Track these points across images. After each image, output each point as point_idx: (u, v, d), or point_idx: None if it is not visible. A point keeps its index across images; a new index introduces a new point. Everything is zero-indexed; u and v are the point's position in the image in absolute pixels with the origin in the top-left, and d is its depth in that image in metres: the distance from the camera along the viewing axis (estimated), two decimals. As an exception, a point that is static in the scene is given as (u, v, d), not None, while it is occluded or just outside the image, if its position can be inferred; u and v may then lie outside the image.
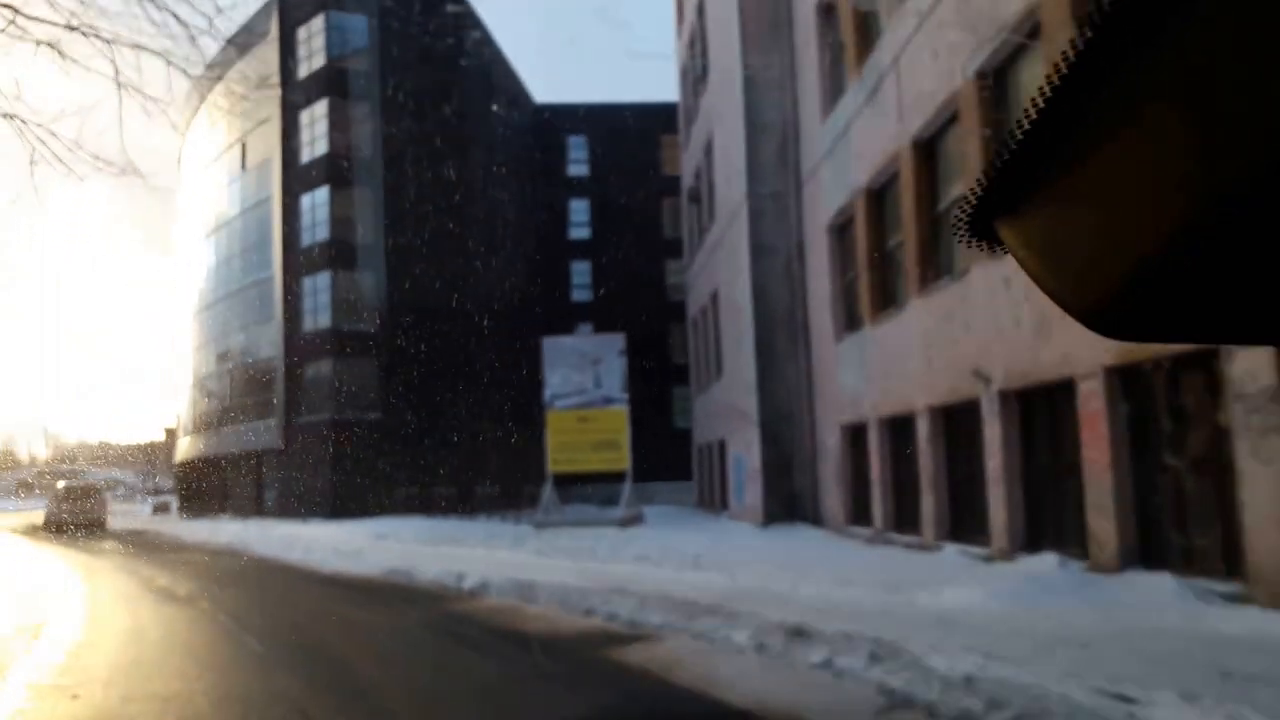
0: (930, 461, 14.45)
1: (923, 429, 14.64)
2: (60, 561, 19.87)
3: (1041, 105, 0.68)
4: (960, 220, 0.81)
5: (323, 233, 33.25)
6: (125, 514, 47.74)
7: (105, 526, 30.59)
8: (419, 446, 30.61)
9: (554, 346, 25.56)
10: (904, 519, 15.76)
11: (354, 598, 12.25)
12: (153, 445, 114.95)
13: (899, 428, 15.93)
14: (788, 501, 20.48)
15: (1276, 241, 0.62)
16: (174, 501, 47.22)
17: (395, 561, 15.35)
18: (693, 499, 31.39)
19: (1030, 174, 0.73)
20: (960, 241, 0.82)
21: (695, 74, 28.51)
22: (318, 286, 33.21)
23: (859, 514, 17.85)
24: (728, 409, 24.86)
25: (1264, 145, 0.56)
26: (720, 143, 25.12)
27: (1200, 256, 0.65)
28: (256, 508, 34.93)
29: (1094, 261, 0.71)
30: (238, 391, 37.72)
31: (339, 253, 32.88)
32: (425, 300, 31.96)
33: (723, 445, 26.47)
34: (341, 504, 30.74)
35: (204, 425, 41.12)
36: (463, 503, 29.72)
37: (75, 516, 29.85)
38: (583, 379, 25.00)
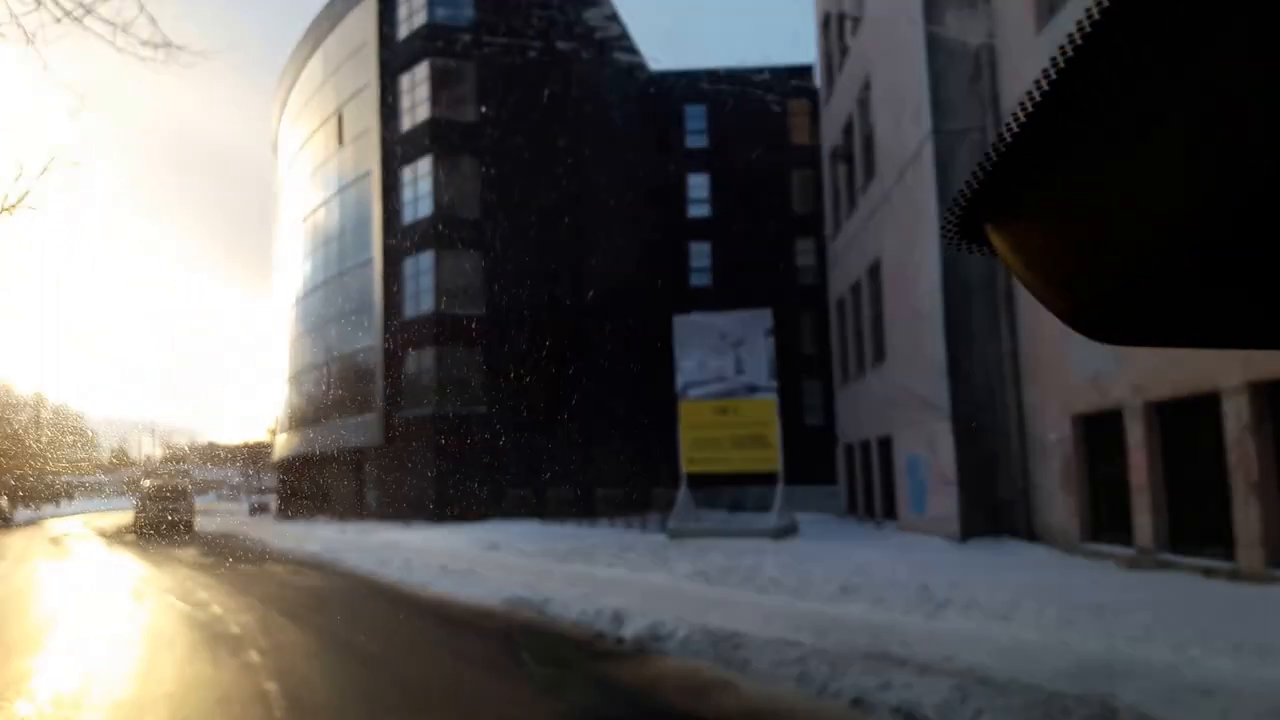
0: (1252, 457, 10.38)
1: (1236, 413, 10.56)
2: (118, 572, 17.20)
3: (1030, 110, 0.67)
4: (949, 224, 0.81)
5: (425, 208, 30.35)
6: (224, 514, 46.20)
7: (192, 528, 28.28)
8: (530, 444, 27.41)
9: (688, 326, 21.87)
10: (1192, 535, 11.71)
11: (470, 650, 8.78)
12: (259, 445, 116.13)
13: (1184, 414, 11.82)
14: (991, 511, 16.43)
15: (1264, 248, 0.63)
16: (273, 501, 45.28)
17: (518, 587, 11.95)
18: (840, 506, 27.38)
19: (1017, 180, 0.72)
20: (950, 244, 0.82)
21: (842, 10, 24.58)
22: (420, 268, 30.34)
23: (1104, 528, 13.79)
24: (894, 400, 20.90)
25: (1251, 154, 0.57)
26: (882, 84, 21.15)
27: (1187, 262, 0.66)
28: (356, 509, 32.31)
29: (1081, 267, 0.71)
30: (336, 385, 35.24)
31: (442, 230, 29.93)
32: (534, 283, 28.76)
33: (885, 444, 22.50)
34: (446, 506, 27.76)
35: (301, 421, 38.86)
36: (580, 507, 26.39)
37: (161, 518, 27.60)
38: (722, 364, 21.31)
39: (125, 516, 43.24)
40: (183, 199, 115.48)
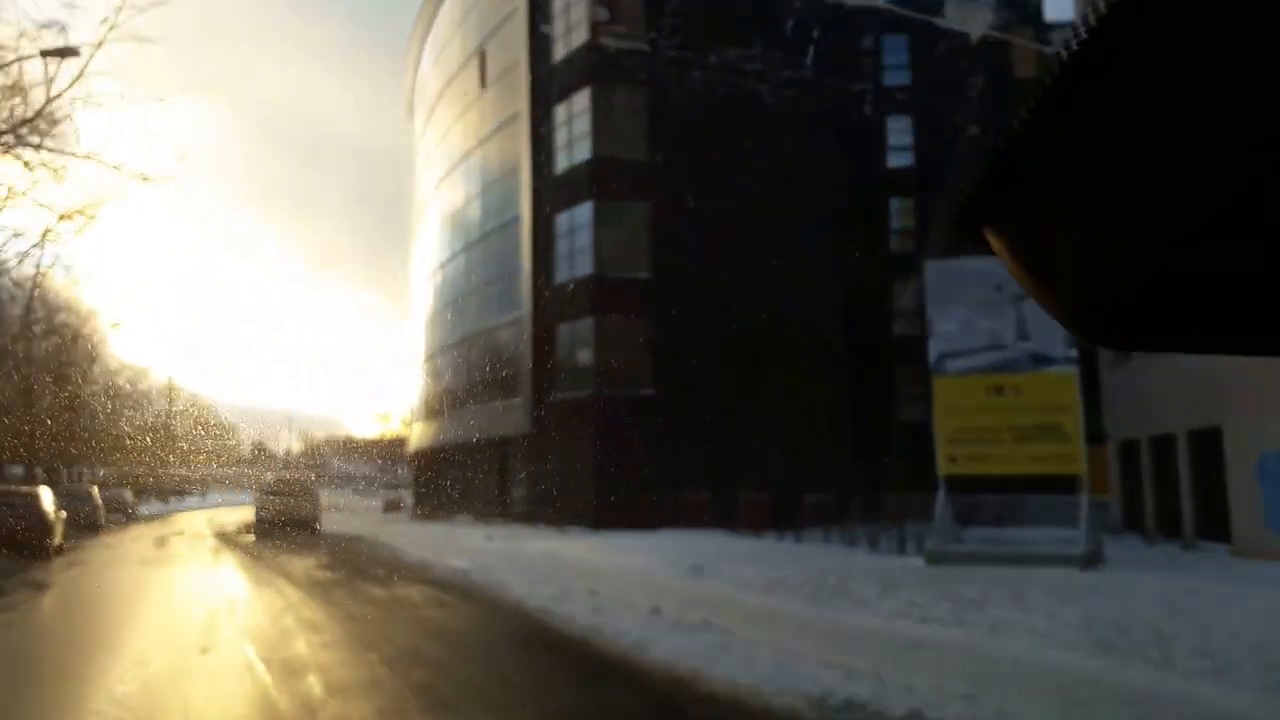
0: None
1: None
2: (205, 591, 12.78)
3: (1024, 116, 0.66)
4: (947, 221, 0.84)
5: (581, 151, 25.46)
6: (357, 510, 42.98)
7: (317, 529, 24.21)
8: (710, 435, 22.16)
9: (947, 275, 16.06)
10: None
11: None
12: (395, 438, 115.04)
13: None
14: None
15: (1265, 253, 0.63)
16: (408, 498, 41.43)
17: (810, 662, 6.89)
18: (1112, 520, 21.07)
19: (1011, 182, 0.72)
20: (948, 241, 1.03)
21: None
22: (575, 223, 25.49)
23: None
24: (1223, 377, 14.93)
25: (1253, 159, 0.57)
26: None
27: (1188, 267, 0.65)
28: (499, 508, 27.75)
29: (1078, 271, 0.72)
30: (476, 366, 30.86)
31: (603, 177, 24.99)
32: (711, 239, 23.48)
33: (1205, 438, 16.55)
34: (608, 509, 22.81)
35: (438, 409, 34.75)
36: (780, 515, 20.95)
37: (284, 516, 23.61)
38: (998, 325, 15.56)
39: (248, 514, 40.19)
40: (317, 194, 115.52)
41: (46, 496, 18.57)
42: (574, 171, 25.65)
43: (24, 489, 19.50)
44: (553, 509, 23.80)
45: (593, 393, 24.53)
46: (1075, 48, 0.61)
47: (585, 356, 25.02)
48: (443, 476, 33.50)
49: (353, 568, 16.32)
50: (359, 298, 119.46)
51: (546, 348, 26.03)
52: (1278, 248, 0.62)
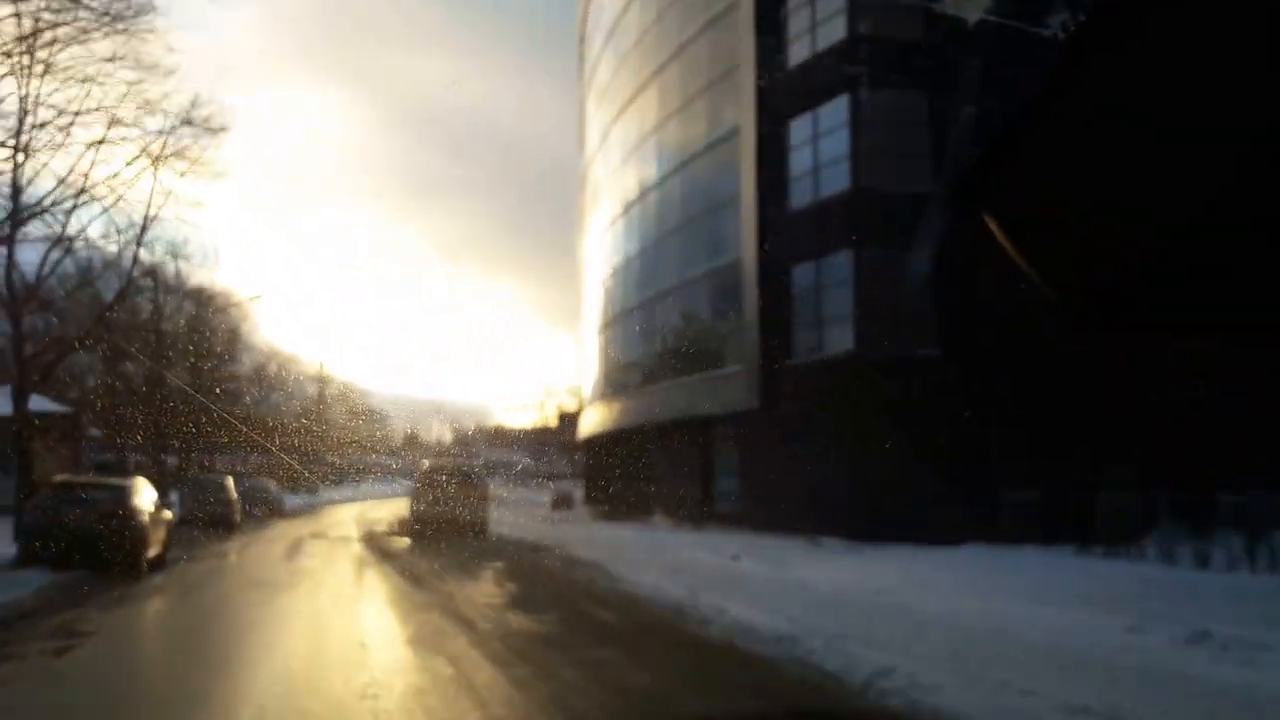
0: None
1: None
2: (326, 645, 7.01)
3: (1022, 102, 0.67)
4: (944, 203, 1.35)
5: (833, 31, 18.99)
6: (519, 505, 38.03)
7: (485, 531, 18.63)
8: (1039, 411, 15.40)
9: None
10: None
11: None
12: (546, 428, 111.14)
13: None
14: None
15: (1252, 244, 0.64)
16: (577, 491, 35.81)
17: None
18: None
19: (1009, 174, 0.72)
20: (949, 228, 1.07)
21: None
22: (821, 126, 19.01)
23: None
24: None
25: (1248, 152, 0.58)
26: None
27: (1177, 256, 0.67)
28: (703, 508, 21.65)
29: (1071, 256, 0.73)
30: (672, 329, 24.88)
31: (861, 59, 18.44)
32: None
33: None
34: (871, 513, 16.44)
35: (619, 387, 28.98)
36: (1157, 521, 13.93)
37: (445, 513, 18.14)
38: None
39: (405, 504, 35.45)
40: (459, 184, 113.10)
41: (141, 492, 13.35)
42: (819, 60, 19.18)
43: (111, 481, 14.42)
44: (784, 510, 17.49)
45: (850, 353, 18.05)
46: (1073, 34, 0.59)
47: (837, 305, 18.55)
48: (625, 467, 27.72)
49: (560, 607, 10.40)
50: (501, 287, 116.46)
51: (776, 297, 19.69)
52: (1263, 240, 0.60)
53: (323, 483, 45.86)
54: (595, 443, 31.30)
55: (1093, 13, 0.59)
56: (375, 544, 18.56)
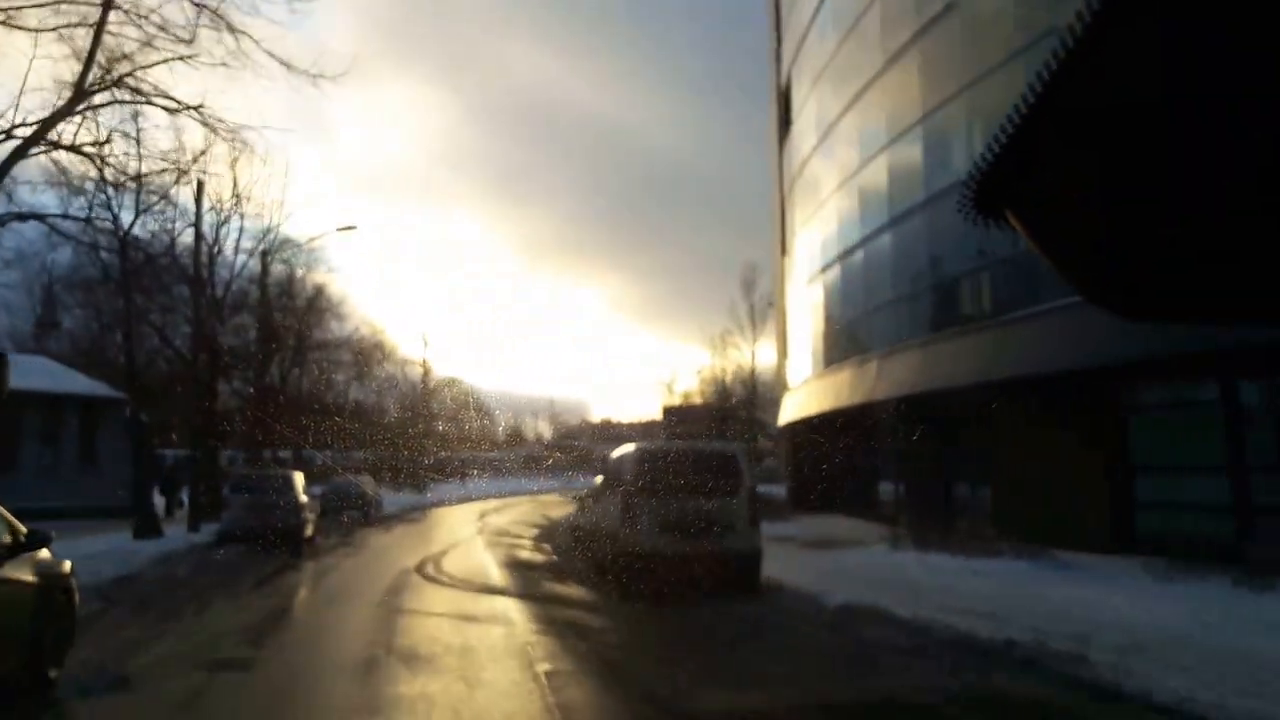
0: None
1: None
2: None
3: (1033, 99, 0.65)
4: (966, 201, 0.80)
5: None
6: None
7: (756, 578, 9.93)
8: None
9: None
10: None
11: None
12: (652, 422, 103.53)
13: None
14: None
15: (1275, 228, 0.62)
16: (782, 491, 27.08)
17: None
18: None
19: (1028, 164, 0.71)
20: (968, 220, 0.84)
21: None
22: None
23: None
24: None
25: (1262, 140, 0.57)
26: None
27: (1201, 242, 0.66)
28: (1015, 525, 13.10)
29: (1097, 248, 0.72)
30: (938, 260, 16.55)
31: None
32: None
33: None
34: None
35: (844, 353, 20.78)
36: None
37: (679, 540, 9.53)
38: None
39: (532, 507, 27.82)
40: (557, 182, 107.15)
41: (301, 483, 16.04)
42: None
43: (279, 473, 16.95)
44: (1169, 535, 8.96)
45: None
46: (1083, 30, 0.58)
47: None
48: (846, 462, 19.52)
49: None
50: (600, 286, 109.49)
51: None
52: None
53: (431, 478, 38.72)
54: (800, 429, 23.10)
55: (1092, 18, 0.56)
56: (525, 576, 10.88)
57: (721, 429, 37.21)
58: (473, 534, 19.07)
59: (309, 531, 15.95)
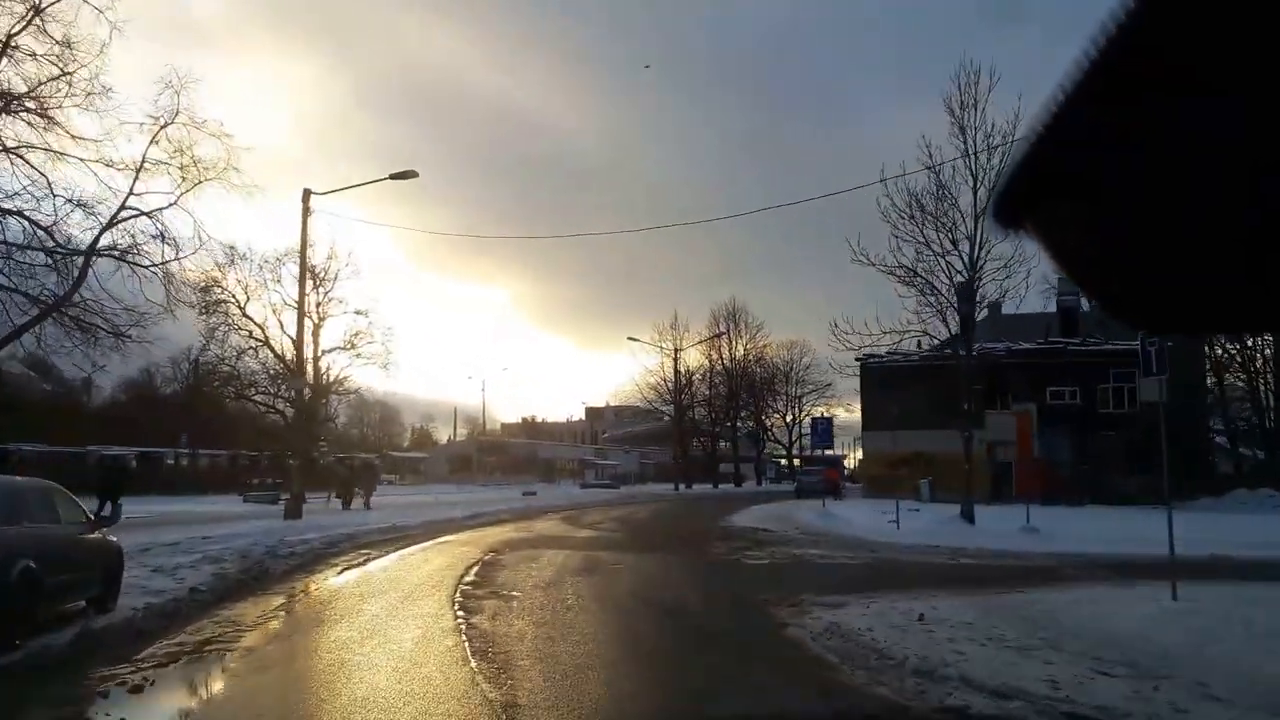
0: None
1: None
2: None
3: (1055, 110, 0.65)
4: (988, 215, 0.81)
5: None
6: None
7: None
8: None
9: None
10: None
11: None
12: (576, 423, 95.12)
13: None
14: None
15: None
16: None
17: None
18: None
19: (1048, 179, 0.71)
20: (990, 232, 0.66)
21: None
22: None
23: None
24: None
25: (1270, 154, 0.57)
26: None
27: (1219, 255, 0.65)
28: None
29: (1116, 261, 0.72)
30: None
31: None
32: None
33: None
34: None
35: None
36: None
37: None
38: None
39: (520, 530, 17.85)
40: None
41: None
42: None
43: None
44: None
45: None
46: (1101, 49, 0.58)
47: None
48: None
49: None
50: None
51: None
52: None
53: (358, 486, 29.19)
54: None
55: (1124, 17, 0.56)
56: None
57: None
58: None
59: None
